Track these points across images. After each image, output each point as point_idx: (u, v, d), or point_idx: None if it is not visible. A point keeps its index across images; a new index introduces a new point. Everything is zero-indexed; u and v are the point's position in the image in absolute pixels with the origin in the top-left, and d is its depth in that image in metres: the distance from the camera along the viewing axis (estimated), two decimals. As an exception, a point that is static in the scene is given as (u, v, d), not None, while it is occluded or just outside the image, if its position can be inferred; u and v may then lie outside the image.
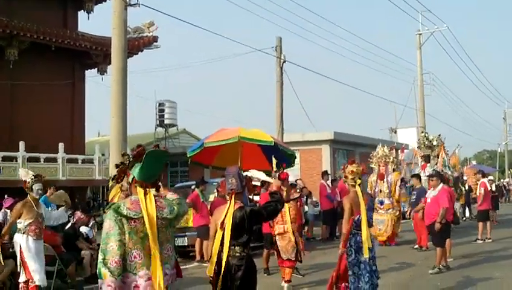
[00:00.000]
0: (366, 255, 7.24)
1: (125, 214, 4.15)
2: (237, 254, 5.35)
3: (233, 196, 5.52)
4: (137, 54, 25.07)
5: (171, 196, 4.67)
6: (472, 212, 23.08)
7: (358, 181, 7.55)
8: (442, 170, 17.90)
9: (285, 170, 11.02)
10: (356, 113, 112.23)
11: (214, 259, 5.44)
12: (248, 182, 5.99)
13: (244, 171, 5.95)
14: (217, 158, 11.80)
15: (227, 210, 5.48)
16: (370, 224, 7.78)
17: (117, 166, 4.54)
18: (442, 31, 33.90)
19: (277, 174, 9.08)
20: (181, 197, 4.77)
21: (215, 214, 5.77)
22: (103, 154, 23.38)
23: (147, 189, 4.34)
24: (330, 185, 17.76)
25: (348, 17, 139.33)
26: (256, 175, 8.58)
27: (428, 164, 18.38)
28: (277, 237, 9.67)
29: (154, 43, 25.25)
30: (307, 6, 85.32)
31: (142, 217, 4.17)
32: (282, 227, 9.60)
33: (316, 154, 28.23)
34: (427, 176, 13.98)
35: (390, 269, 11.58)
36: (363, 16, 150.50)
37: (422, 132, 21.88)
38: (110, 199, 8.50)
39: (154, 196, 4.38)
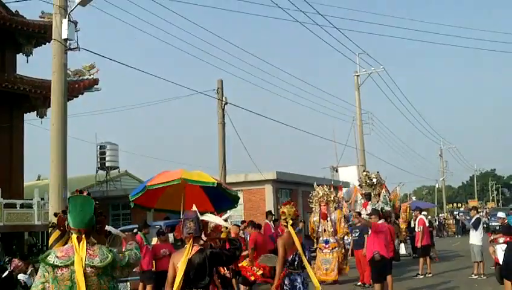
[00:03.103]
0: (318, 288, 7.55)
1: (51, 263, 4.24)
2: None
3: (191, 240, 5.62)
4: (77, 96, 24.78)
5: (129, 246, 4.74)
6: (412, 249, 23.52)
7: (290, 221, 7.76)
8: (383, 208, 18.30)
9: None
10: (298, 153, 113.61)
11: None
12: (205, 227, 6.09)
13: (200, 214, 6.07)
14: (159, 201, 11.71)
15: (186, 254, 5.54)
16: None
17: (56, 214, 4.58)
18: (378, 72, 34.89)
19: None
20: (132, 249, 4.79)
21: (174, 257, 5.81)
22: (42, 199, 22.80)
23: (81, 235, 4.37)
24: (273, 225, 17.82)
25: (290, 61, 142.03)
26: (212, 219, 8.66)
27: (369, 202, 18.71)
28: None
29: (95, 86, 25.04)
30: (249, 50, 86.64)
31: (70, 265, 4.22)
32: None
33: (259, 194, 28.38)
34: (368, 214, 14.27)
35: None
36: (304, 59, 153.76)
37: (364, 171, 22.25)
38: (50, 244, 8.34)
39: (89, 243, 4.40)
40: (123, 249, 4.75)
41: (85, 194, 4.59)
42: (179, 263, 5.54)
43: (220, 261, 5.77)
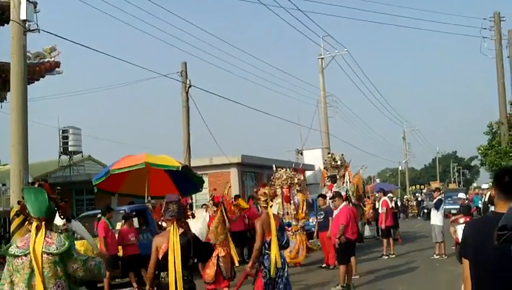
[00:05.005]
0: (272, 274, 7.42)
1: (12, 253, 4.37)
2: (185, 278, 5.55)
3: (174, 222, 5.64)
4: (38, 80, 24.18)
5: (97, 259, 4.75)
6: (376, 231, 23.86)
7: (270, 203, 7.73)
8: (348, 190, 18.50)
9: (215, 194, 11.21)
10: (264, 136, 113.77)
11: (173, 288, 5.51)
12: (186, 210, 6.09)
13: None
14: (123, 185, 11.64)
15: (172, 236, 5.56)
16: (285, 245, 7.97)
17: (19, 202, 4.65)
18: (343, 55, 34.99)
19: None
20: (100, 262, 4.76)
21: (156, 240, 5.82)
22: (4, 185, 22.40)
23: (41, 223, 4.44)
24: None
25: (255, 43, 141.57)
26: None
27: (335, 184, 18.83)
28: (220, 259, 10.05)
29: (57, 69, 24.44)
30: (212, 32, 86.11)
31: (29, 253, 4.32)
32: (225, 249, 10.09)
33: (224, 177, 28.36)
34: (331, 197, 14.38)
35: (298, 289, 11.78)
36: (269, 42, 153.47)
37: (329, 153, 22.34)
38: (12, 231, 8.23)
39: (48, 230, 4.47)
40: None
41: (36, 185, 4.68)
42: (163, 245, 5.56)
43: (198, 249, 5.77)
